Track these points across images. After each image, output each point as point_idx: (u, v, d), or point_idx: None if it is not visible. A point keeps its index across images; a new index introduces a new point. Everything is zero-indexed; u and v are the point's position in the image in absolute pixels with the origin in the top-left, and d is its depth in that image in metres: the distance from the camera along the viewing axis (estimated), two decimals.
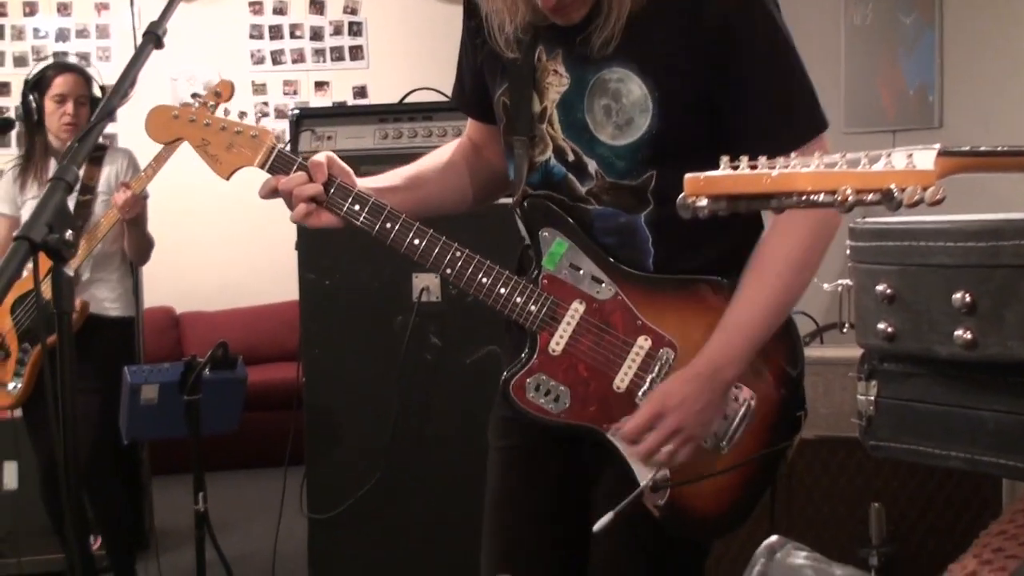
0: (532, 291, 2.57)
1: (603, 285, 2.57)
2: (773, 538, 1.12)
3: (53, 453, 4.60)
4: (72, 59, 5.52)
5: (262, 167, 2.63)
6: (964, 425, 2.03)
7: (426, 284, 4.77)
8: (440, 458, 4.85)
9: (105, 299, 5.31)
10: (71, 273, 2.25)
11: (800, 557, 1.12)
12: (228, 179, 2.66)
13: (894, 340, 2.03)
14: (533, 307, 2.56)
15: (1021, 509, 2.32)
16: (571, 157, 2.56)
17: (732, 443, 2.55)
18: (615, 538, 2.60)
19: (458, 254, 2.57)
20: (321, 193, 2.57)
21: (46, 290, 2.29)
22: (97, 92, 5.42)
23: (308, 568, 5.04)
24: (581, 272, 2.57)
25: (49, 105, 5.29)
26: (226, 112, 4.83)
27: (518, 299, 2.57)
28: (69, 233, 2.20)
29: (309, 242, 4.89)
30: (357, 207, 2.57)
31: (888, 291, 2.01)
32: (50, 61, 5.56)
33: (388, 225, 2.57)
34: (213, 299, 9.14)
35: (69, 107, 5.27)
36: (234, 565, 4.44)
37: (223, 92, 4.87)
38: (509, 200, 2.69)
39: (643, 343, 2.56)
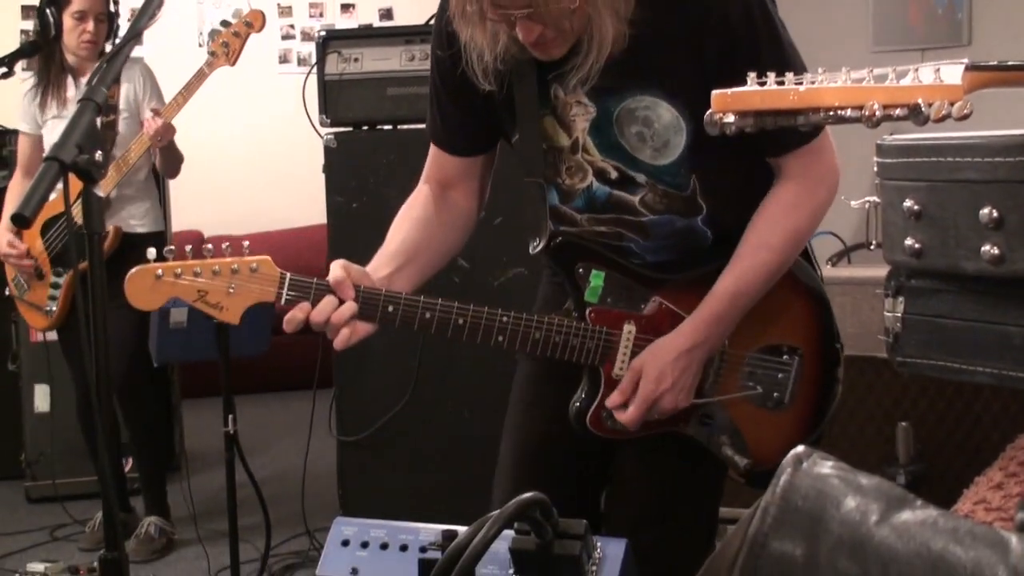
0: (584, 330, 2.59)
1: (646, 300, 2.62)
2: (799, 448, 1.14)
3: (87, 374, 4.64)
4: None
5: (278, 302, 2.48)
6: (991, 340, 2.04)
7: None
8: (467, 381, 4.88)
9: (132, 217, 5.31)
10: (102, 195, 2.28)
11: (827, 467, 1.13)
12: (239, 323, 2.46)
13: (921, 256, 2.04)
14: (590, 344, 2.58)
15: None
16: (615, 175, 2.59)
17: (793, 398, 2.67)
18: (642, 445, 2.69)
19: (504, 319, 2.54)
20: (356, 311, 2.47)
21: (77, 214, 2.31)
22: (112, 7, 5.38)
23: (337, 489, 5.08)
24: (623, 295, 2.62)
25: (68, 22, 5.23)
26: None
27: (574, 343, 2.58)
28: (99, 154, 2.22)
29: (336, 165, 4.90)
30: (391, 308, 2.48)
31: (915, 207, 2.01)
32: None
33: (427, 315, 2.49)
34: (241, 223, 9.16)
35: (89, 25, 5.22)
36: (263, 486, 4.48)
37: (254, 22, 4.86)
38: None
39: None
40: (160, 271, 2.43)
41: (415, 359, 4.86)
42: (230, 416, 4.21)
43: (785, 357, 2.66)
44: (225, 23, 4.96)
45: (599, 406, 2.61)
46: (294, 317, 2.46)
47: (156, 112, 4.99)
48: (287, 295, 2.46)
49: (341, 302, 2.47)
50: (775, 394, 2.66)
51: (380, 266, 2.62)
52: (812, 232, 2.61)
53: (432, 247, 2.75)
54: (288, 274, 2.48)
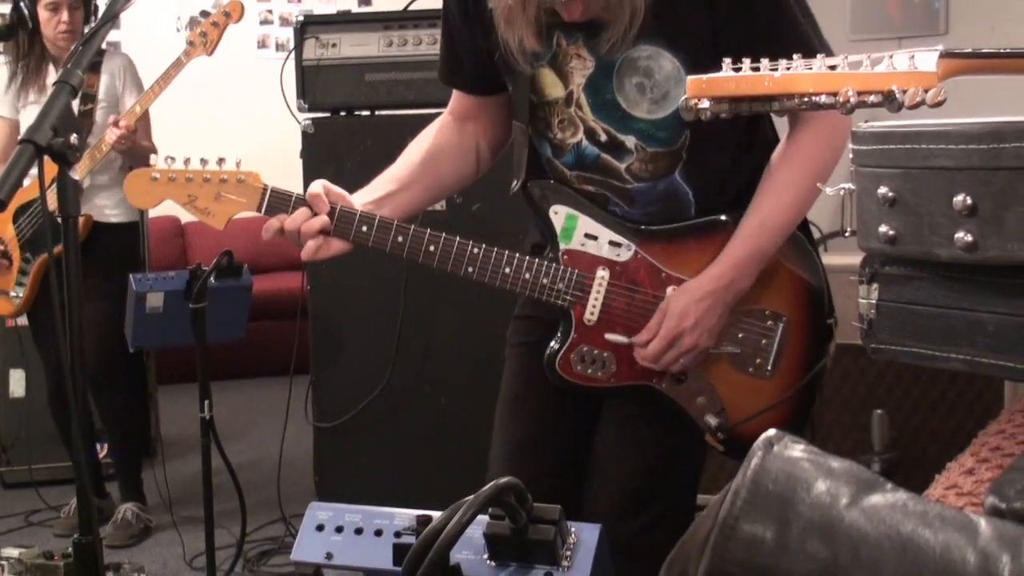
0: (556, 270, 2.62)
1: (621, 247, 2.63)
2: (771, 432, 1.15)
3: (60, 360, 4.64)
4: None
5: (259, 211, 2.64)
6: (964, 327, 2.05)
7: None
8: (445, 367, 4.89)
9: (105, 205, 5.32)
10: (76, 178, 2.27)
11: (797, 450, 1.14)
12: (223, 228, 2.67)
13: (895, 243, 2.04)
14: (561, 285, 2.62)
15: (1019, 409, 2.35)
16: (603, 137, 2.61)
17: (777, 367, 2.67)
18: (625, 423, 2.72)
19: (476, 251, 2.61)
20: (328, 224, 2.59)
21: (51, 199, 2.31)
22: None
23: (313, 475, 5.10)
24: (598, 240, 2.63)
25: (43, 13, 5.23)
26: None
27: (544, 280, 2.62)
28: (74, 137, 2.21)
29: (314, 150, 4.90)
30: (364, 228, 2.60)
31: (890, 194, 2.02)
32: None
33: (399, 239, 2.60)
34: None
35: (64, 15, 5.22)
36: (239, 473, 4.48)
37: (233, 12, 4.86)
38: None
39: (672, 293, 2.62)
40: (156, 174, 2.67)
41: (392, 346, 4.86)
42: (206, 402, 4.20)
43: (770, 323, 2.67)
44: (204, 13, 4.96)
45: (570, 348, 2.63)
46: (271, 226, 2.61)
47: (115, 123, 4.96)
48: (267, 205, 2.62)
49: (315, 215, 2.59)
50: (757, 360, 2.67)
51: (372, 190, 2.72)
52: (825, 177, 2.60)
53: (432, 176, 2.81)
54: (271, 186, 2.64)
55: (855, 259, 2.27)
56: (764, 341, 2.66)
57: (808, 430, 2.78)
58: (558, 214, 2.63)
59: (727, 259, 2.58)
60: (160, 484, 5.25)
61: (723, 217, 2.64)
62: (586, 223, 2.63)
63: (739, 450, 2.66)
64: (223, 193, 2.65)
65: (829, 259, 4.43)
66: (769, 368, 2.67)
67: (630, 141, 2.59)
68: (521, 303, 2.87)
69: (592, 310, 2.62)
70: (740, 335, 2.66)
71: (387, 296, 4.86)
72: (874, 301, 2.14)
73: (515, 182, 2.71)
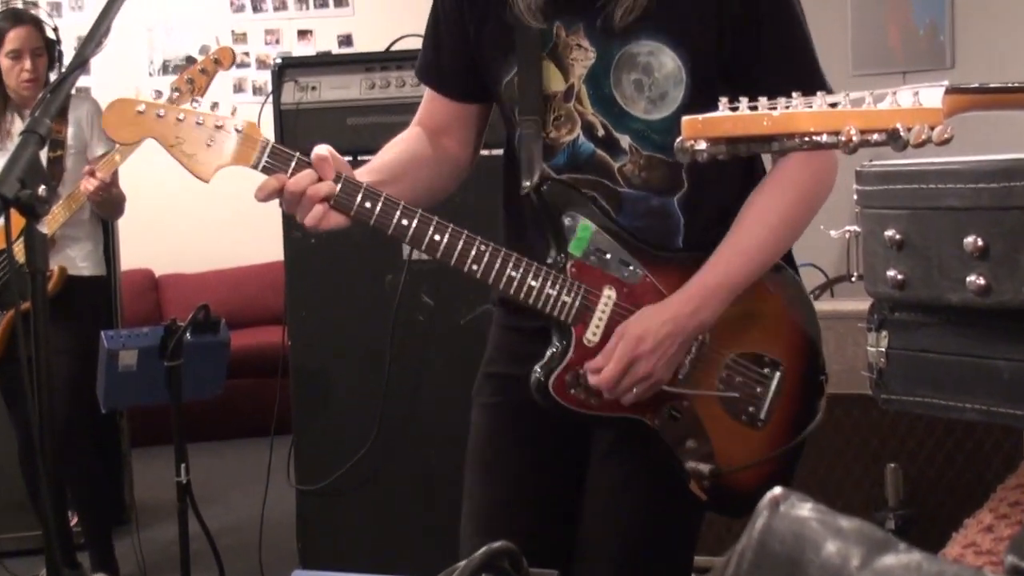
0: (563, 281, 2.55)
1: (631, 268, 2.58)
2: (777, 490, 1.15)
3: (29, 420, 4.62)
4: (19, 9, 5.46)
5: (255, 167, 2.46)
6: (978, 375, 2.05)
7: None
8: (434, 425, 4.87)
9: (76, 257, 5.31)
10: (45, 231, 2.27)
11: (805, 509, 1.14)
12: (209, 180, 2.45)
13: (904, 288, 2.05)
14: (567, 298, 2.54)
15: None
16: (601, 132, 2.58)
17: (769, 418, 2.63)
18: (614, 492, 2.67)
19: (483, 248, 2.51)
20: (333, 191, 2.45)
21: (18, 251, 2.31)
22: (51, 35, 5.39)
23: (296, 541, 5.07)
24: (608, 256, 2.57)
25: (4, 62, 5.26)
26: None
27: (551, 291, 2.54)
28: (43, 188, 2.21)
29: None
30: (368, 204, 2.46)
31: (897, 236, 2.03)
32: None
33: (404, 222, 2.47)
34: (194, 260, 9.15)
35: (27, 63, 5.24)
36: (219, 539, 4.47)
37: (223, 60, 4.86)
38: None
39: None
40: (143, 106, 2.43)
41: (378, 404, 4.85)
42: (182, 465, 4.20)
43: (766, 370, 2.62)
44: (190, 59, 4.98)
45: (565, 369, 2.56)
46: (268, 184, 2.45)
47: (91, 173, 4.96)
48: (266, 162, 2.45)
49: (320, 180, 2.45)
50: (751, 408, 2.62)
51: (364, 172, 2.59)
52: (808, 218, 2.59)
53: (415, 178, 2.70)
54: (271, 141, 2.46)
55: (863, 305, 2.27)
56: (759, 388, 2.62)
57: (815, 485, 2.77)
58: (572, 221, 2.57)
59: (694, 286, 2.54)
60: (135, 553, 5.23)
61: None
62: (598, 236, 2.57)
63: (722, 500, 2.64)
64: (215, 141, 2.43)
65: (836, 305, 4.44)
66: (762, 417, 2.62)
67: (624, 140, 2.57)
68: (489, 358, 2.83)
69: (595, 331, 2.56)
70: (737, 379, 2.61)
71: (373, 351, 4.85)
72: (884, 349, 2.15)
73: (525, 183, 2.60)
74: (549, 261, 2.58)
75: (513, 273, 2.53)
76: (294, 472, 5.01)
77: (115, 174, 5.26)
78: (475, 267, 2.52)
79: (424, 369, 4.87)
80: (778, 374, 2.63)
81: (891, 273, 2.01)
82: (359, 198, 2.46)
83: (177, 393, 4.28)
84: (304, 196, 2.44)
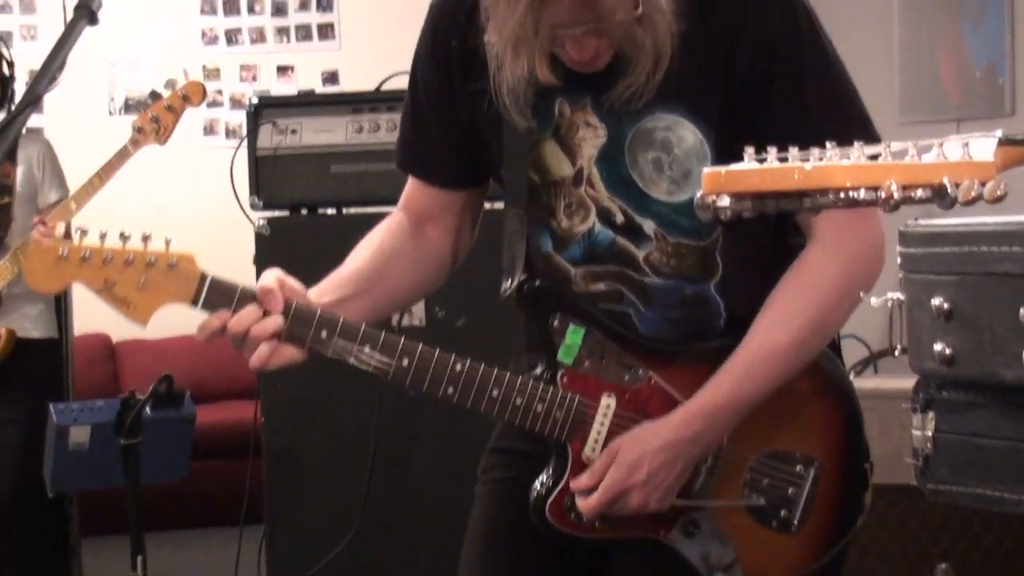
0: (553, 394, 2.54)
1: (632, 369, 2.58)
2: None
3: None
4: None
5: (194, 304, 2.52)
6: None
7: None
8: (425, 512, 4.86)
9: (24, 318, 5.33)
10: None
11: None
12: (146, 325, 2.52)
13: (953, 363, 2.06)
14: (558, 413, 2.54)
15: None
16: (620, 219, 2.58)
17: (804, 521, 2.61)
18: None
19: (458, 367, 2.52)
20: (282, 327, 2.48)
21: None
22: (5, 70, 5.43)
23: None
24: (605, 360, 2.57)
25: None
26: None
27: (539, 407, 2.53)
28: None
29: (270, 255, 4.90)
30: (324, 334, 2.50)
31: (945, 305, 2.04)
32: None
33: (366, 349, 2.51)
34: (155, 325, 9.10)
35: None
36: None
37: (192, 96, 4.91)
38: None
39: None
40: (65, 250, 2.46)
41: (361, 489, 4.85)
42: (139, 557, 4.20)
43: (799, 468, 2.60)
44: (155, 94, 5.03)
45: (563, 491, 2.55)
46: (209, 324, 2.50)
47: (43, 222, 4.98)
48: (205, 298, 2.49)
49: (266, 314, 2.48)
50: (782, 512, 2.60)
51: (324, 292, 2.61)
52: (843, 317, 2.56)
53: (393, 281, 2.72)
54: (211, 275, 2.51)
55: (908, 382, 2.28)
56: (792, 490, 2.60)
57: None
58: (560, 325, 2.56)
59: (697, 404, 2.52)
60: None
61: None
62: (592, 339, 2.56)
63: None
64: (149, 280, 2.48)
65: (879, 382, 4.45)
66: (796, 522, 2.60)
67: (649, 226, 2.56)
68: (499, 433, 2.81)
69: (594, 445, 2.55)
70: (765, 482, 2.60)
71: (356, 429, 4.85)
72: (930, 433, 2.15)
73: (507, 282, 2.62)
74: (537, 372, 2.59)
75: (495, 392, 2.54)
76: (266, 566, 5.00)
77: (69, 225, 5.27)
78: (451, 390, 2.53)
79: (413, 450, 4.87)
80: (812, 471, 2.61)
81: (938, 347, 2.01)
82: (312, 329, 2.50)
83: (135, 475, 4.28)
84: (248, 336, 2.48)
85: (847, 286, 2.53)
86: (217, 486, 7.37)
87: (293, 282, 2.54)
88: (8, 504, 5.06)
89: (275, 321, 2.47)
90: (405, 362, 2.51)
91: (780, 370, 2.52)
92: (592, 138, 2.55)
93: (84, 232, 2.48)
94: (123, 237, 2.48)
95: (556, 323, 2.57)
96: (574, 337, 2.56)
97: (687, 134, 2.50)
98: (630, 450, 2.50)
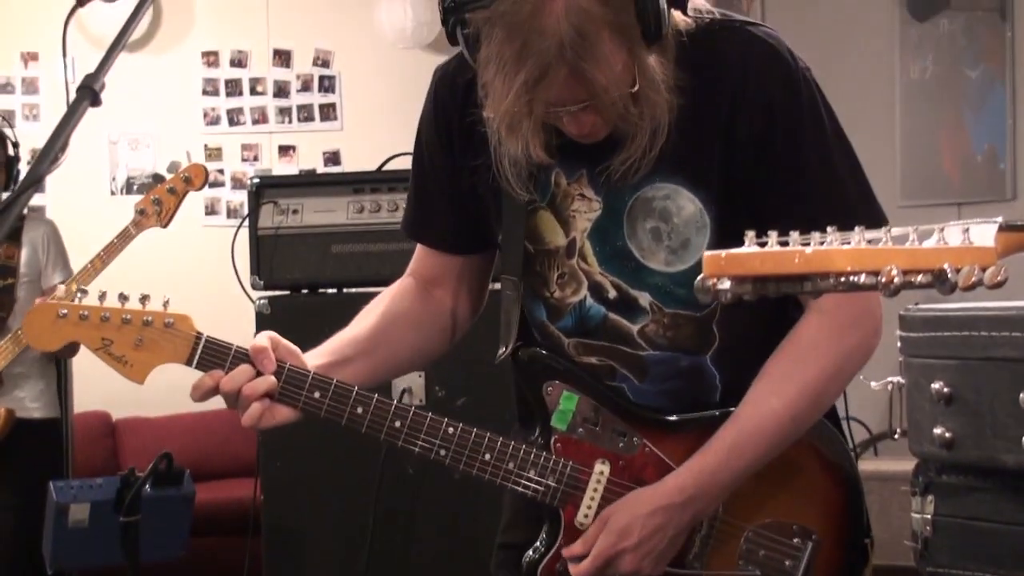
0: (545, 459, 2.57)
1: (627, 437, 2.59)
2: None
3: None
4: None
5: (189, 364, 2.54)
6: None
7: (408, 384, 4.78)
8: None
9: (25, 398, 5.32)
10: None
11: None
12: (143, 383, 2.56)
13: (953, 447, 2.05)
14: (551, 480, 2.56)
15: None
16: (613, 294, 2.59)
17: None
18: None
19: (451, 431, 2.55)
20: (275, 386, 2.51)
21: None
22: (11, 150, 5.44)
23: None
24: (598, 427, 2.59)
25: None
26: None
27: (531, 473, 2.56)
28: None
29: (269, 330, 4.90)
30: (317, 394, 2.53)
31: (945, 390, 2.03)
32: None
33: (359, 410, 2.54)
34: (155, 403, 9.08)
35: None
36: None
37: (195, 179, 4.92)
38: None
39: None
40: (64, 310, 2.52)
41: (362, 564, 4.83)
42: None
43: (796, 540, 2.59)
44: (158, 177, 5.03)
45: (554, 557, 2.56)
46: (202, 384, 2.52)
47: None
48: (199, 358, 2.52)
49: (259, 374, 2.50)
50: None
51: (323, 354, 2.64)
52: (839, 386, 2.57)
53: (395, 344, 2.74)
54: (205, 335, 2.53)
55: (907, 464, 2.27)
56: (788, 563, 2.59)
57: None
58: (552, 392, 2.58)
59: (689, 470, 2.52)
60: None
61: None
62: (586, 406, 2.58)
63: None
64: (145, 339, 2.52)
65: (879, 465, 4.43)
66: None
67: (644, 298, 2.57)
68: (506, 524, 2.81)
69: (587, 512, 2.56)
70: (761, 553, 2.59)
71: (355, 508, 4.83)
72: (930, 516, 2.14)
73: (503, 348, 2.65)
74: (531, 438, 2.61)
75: (487, 456, 2.56)
76: None
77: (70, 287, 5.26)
78: (443, 452, 2.55)
79: (412, 530, 4.85)
80: (811, 544, 2.60)
81: (938, 431, 2.01)
82: (306, 388, 2.52)
83: (134, 553, 4.26)
84: (240, 395, 2.50)
85: (844, 356, 2.53)
86: (216, 563, 7.33)
87: (287, 344, 2.57)
88: None
89: (267, 381, 2.50)
90: (398, 424, 2.54)
91: (775, 437, 2.53)
92: (586, 211, 2.57)
93: (84, 292, 2.54)
94: (122, 297, 2.54)
95: (550, 389, 2.59)
96: (568, 404, 2.58)
97: (686, 203, 2.52)
98: (621, 516, 2.51)
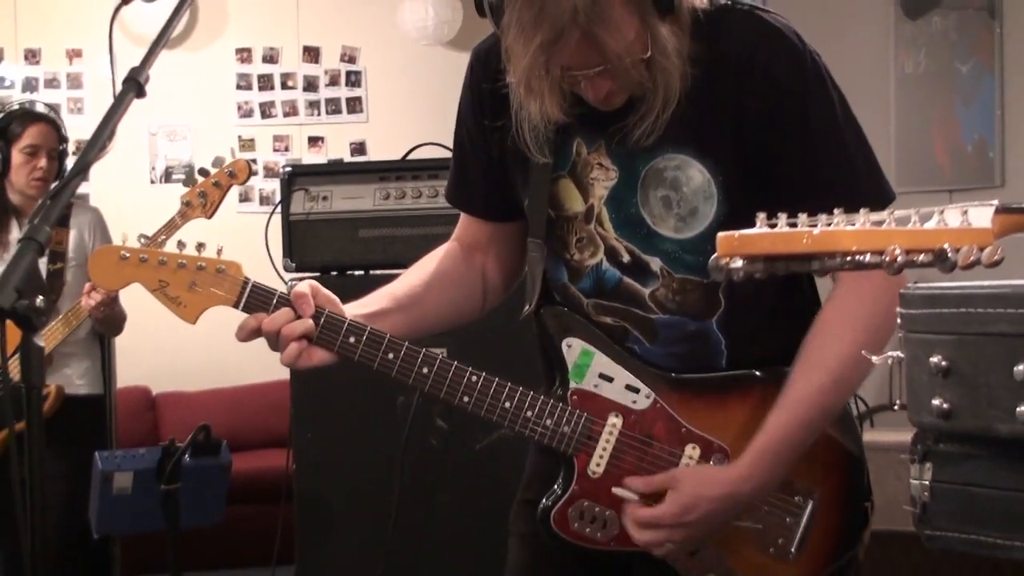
0: (562, 410, 2.59)
1: (639, 393, 2.60)
2: None
3: (19, 545, 4.60)
4: (41, 107, 5.52)
5: (237, 306, 2.62)
6: None
7: None
8: (447, 556, 4.84)
9: (73, 375, 5.33)
10: (42, 344, 2.28)
11: None
12: (195, 323, 2.64)
13: (950, 417, 2.04)
14: (566, 428, 2.58)
15: None
16: (626, 258, 2.60)
17: (801, 550, 2.60)
18: None
19: (474, 379, 2.59)
20: (312, 329, 2.56)
21: (13, 368, 2.31)
22: (62, 145, 5.44)
23: None
24: (613, 382, 2.60)
25: (18, 157, 5.27)
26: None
27: (548, 421, 2.58)
28: (40, 299, 2.22)
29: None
30: (352, 339, 2.57)
31: (943, 363, 2.02)
32: (16, 107, 5.52)
33: (390, 356, 2.57)
34: (193, 378, 9.13)
35: (42, 161, 5.28)
36: None
37: (239, 173, 4.90)
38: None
39: (692, 452, 2.59)
40: (125, 252, 2.60)
41: (387, 530, 4.82)
42: None
43: (798, 498, 2.60)
44: (204, 171, 5.01)
45: (567, 502, 2.58)
46: (247, 324, 2.60)
47: (94, 288, 4.96)
48: (247, 301, 2.60)
49: (299, 318, 2.55)
50: (780, 540, 2.59)
51: (365, 304, 2.69)
52: (876, 350, 2.51)
53: (438, 300, 2.79)
54: (252, 280, 2.62)
55: (905, 436, 2.26)
56: (789, 519, 2.60)
57: None
58: (572, 347, 2.61)
59: (758, 455, 2.52)
60: None
61: (757, 373, 2.61)
62: (602, 361, 2.60)
63: None
64: (198, 282, 2.62)
65: (876, 435, 4.43)
66: (792, 550, 2.60)
67: (655, 263, 2.58)
68: (525, 482, 2.82)
69: (599, 461, 2.58)
70: (764, 508, 2.59)
71: (382, 476, 4.82)
72: (928, 483, 2.13)
73: (527, 306, 2.69)
74: (551, 389, 2.62)
75: (507, 404, 2.58)
76: None
77: (115, 314, 5.28)
78: (466, 399, 2.59)
79: (437, 497, 4.84)
80: (811, 503, 2.61)
81: (936, 402, 2.00)
82: (342, 333, 2.57)
83: (174, 519, 4.27)
84: (280, 336, 2.55)
85: (875, 321, 2.53)
86: (251, 529, 7.34)
87: (327, 292, 2.63)
88: (58, 547, 5.04)
89: (304, 324, 2.56)
90: (425, 370, 2.58)
91: (823, 408, 2.54)
92: (604, 179, 2.59)
93: (145, 237, 2.67)
94: (180, 244, 2.63)
95: (569, 345, 2.61)
96: (585, 359, 2.61)
97: (695, 173, 2.52)
98: (690, 489, 2.52)
